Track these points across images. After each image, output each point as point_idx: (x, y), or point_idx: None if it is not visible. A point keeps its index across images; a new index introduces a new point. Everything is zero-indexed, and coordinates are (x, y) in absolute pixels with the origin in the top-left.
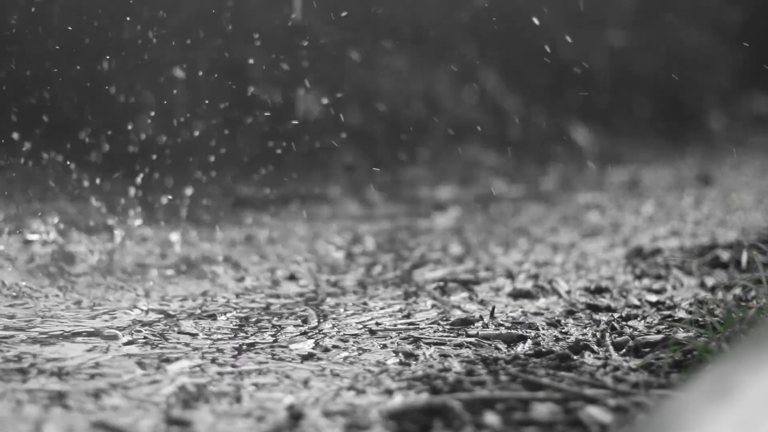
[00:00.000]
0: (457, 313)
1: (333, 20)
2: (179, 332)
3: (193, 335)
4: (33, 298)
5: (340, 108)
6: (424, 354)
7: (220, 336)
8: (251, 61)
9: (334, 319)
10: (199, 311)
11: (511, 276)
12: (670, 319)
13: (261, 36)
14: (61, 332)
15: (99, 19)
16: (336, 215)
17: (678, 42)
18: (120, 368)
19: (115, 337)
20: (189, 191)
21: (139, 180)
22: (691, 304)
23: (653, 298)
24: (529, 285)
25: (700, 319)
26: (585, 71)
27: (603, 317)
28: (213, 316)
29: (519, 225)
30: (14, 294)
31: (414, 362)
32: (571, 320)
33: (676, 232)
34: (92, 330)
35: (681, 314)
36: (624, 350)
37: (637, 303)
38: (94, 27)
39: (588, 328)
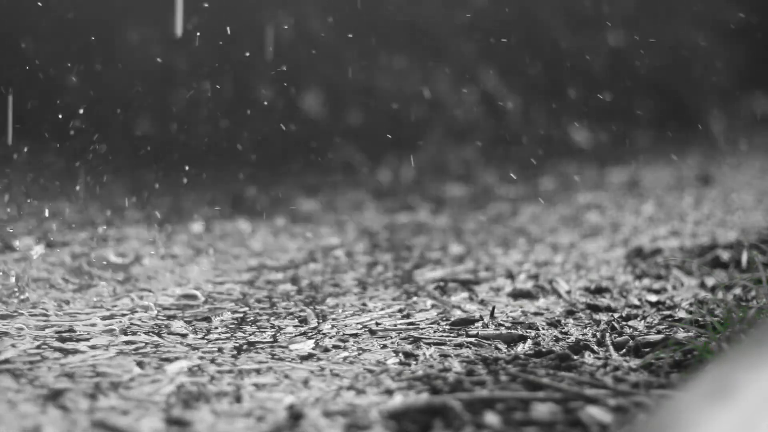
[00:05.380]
0: (457, 313)
1: (332, 20)
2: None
3: (182, 335)
4: None
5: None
6: (424, 354)
7: (216, 336)
8: (251, 59)
9: (333, 319)
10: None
11: (511, 276)
12: (670, 319)
13: (261, 35)
14: None
15: (100, 17)
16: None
17: (678, 42)
18: (119, 367)
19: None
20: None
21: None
22: (691, 304)
23: (653, 298)
24: (529, 285)
25: (700, 319)
26: (585, 71)
27: (603, 317)
28: (207, 318)
29: (519, 225)
30: None
31: (414, 362)
32: (571, 320)
33: (676, 232)
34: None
35: (681, 314)
36: (624, 350)
37: (637, 303)
38: (94, 25)
39: (588, 328)
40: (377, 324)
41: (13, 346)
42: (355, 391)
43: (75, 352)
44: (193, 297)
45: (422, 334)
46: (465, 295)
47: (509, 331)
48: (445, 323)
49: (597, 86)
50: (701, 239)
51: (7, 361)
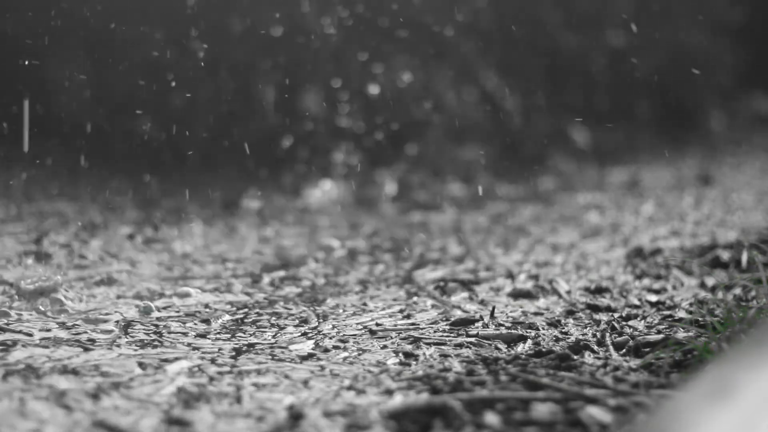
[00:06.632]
0: (457, 313)
1: (333, 20)
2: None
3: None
4: None
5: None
6: (424, 354)
7: (217, 336)
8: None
9: (334, 319)
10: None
11: (511, 276)
12: (670, 319)
13: (262, 34)
14: None
15: (99, 18)
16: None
17: (678, 42)
18: (120, 367)
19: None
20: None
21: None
22: (691, 304)
23: (653, 298)
24: (529, 285)
25: (700, 319)
26: (585, 71)
27: (603, 317)
28: (207, 321)
29: (519, 225)
30: None
31: (414, 362)
32: (571, 320)
33: (676, 232)
34: None
35: (681, 314)
36: (624, 350)
37: (637, 303)
38: (96, 27)
39: (588, 328)
40: (377, 324)
41: (24, 346)
42: (355, 391)
43: (80, 351)
44: (186, 295)
45: (422, 334)
46: (465, 295)
47: (509, 331)
48: (445, 323)
49: (597, 86)
50: (701, 239)
51: (18, 361)
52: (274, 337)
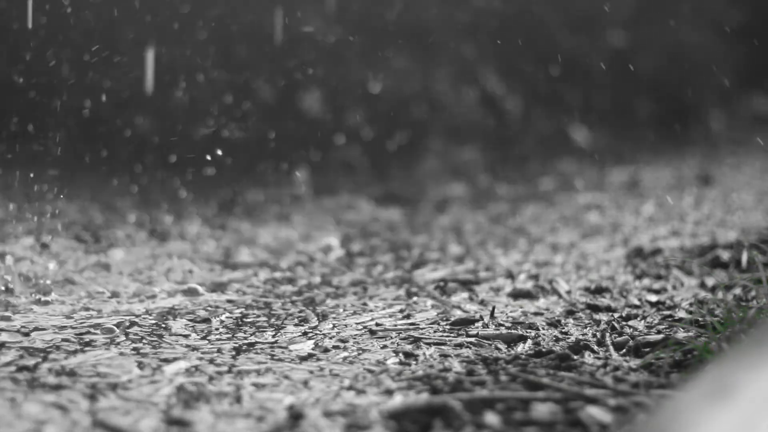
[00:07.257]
0: (457, 313)
1: (333, 19)
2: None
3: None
4: None
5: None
6: (424, 354)
7: (216, 336)
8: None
9: (333, 319)
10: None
11: (511, 276)
12: (670, 319)
13: (262, 35)
14: None
15: (95, 19)
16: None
17: (678, 42)
18: (119, 367)
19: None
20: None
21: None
22: (691, 304)
23: (653, 298)
24: (529, 285)
25: (700, 319)
26: (585, 71)
27: (603, 317)
28: (207, 320)
29: (519, 225)
30: None
31: (414, 362)
32: (571, 320)
33: (676, 232)
34: None
35: (681, 314)
36: (624, 350)
37: (637, 303)
38: (90, 26)
39: (588, 328)
40: (377, 324)
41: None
42: (355, 391)
43: (77, 351)
44: (195, 291)
45: (422, 334)
46: (465, 295)
47: (509, 331)
48: (445, 323)
49: (597, 86)
50: (701, 239)
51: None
52: (274, 336)
